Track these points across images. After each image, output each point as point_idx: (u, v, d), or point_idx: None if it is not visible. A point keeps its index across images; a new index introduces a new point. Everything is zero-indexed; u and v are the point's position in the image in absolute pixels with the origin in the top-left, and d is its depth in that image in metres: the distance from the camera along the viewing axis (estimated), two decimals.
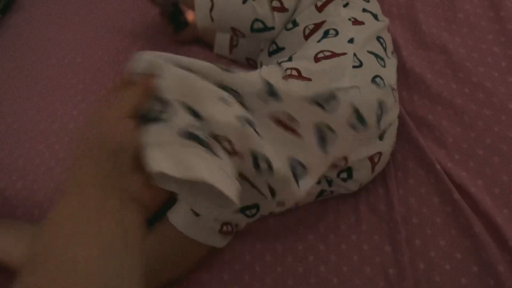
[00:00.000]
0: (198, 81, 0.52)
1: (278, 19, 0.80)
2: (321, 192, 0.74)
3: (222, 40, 0.99)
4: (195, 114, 0.49)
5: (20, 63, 1.08)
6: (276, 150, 0.58)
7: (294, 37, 0.77)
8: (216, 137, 0.49)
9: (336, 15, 0.74)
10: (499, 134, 0.73)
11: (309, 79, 0.62)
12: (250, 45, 0.95)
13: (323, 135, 0.62)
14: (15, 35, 1.15)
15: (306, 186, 0.62)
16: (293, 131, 0.60)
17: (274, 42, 0.82)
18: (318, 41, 0.70)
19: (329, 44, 0.68)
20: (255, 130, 0.55)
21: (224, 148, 0.50)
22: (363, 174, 0.72)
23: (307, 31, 0.75)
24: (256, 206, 0.70)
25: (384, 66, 0.70)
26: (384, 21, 0.78)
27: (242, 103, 0.57)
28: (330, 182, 0.72)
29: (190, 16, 0.99)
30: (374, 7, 0.80)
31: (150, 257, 0.67)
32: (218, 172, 0.46)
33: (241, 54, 0.99)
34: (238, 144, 0.52)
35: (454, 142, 0.76)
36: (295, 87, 0.60)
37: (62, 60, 1.05)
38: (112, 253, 0.37)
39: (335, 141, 0.63)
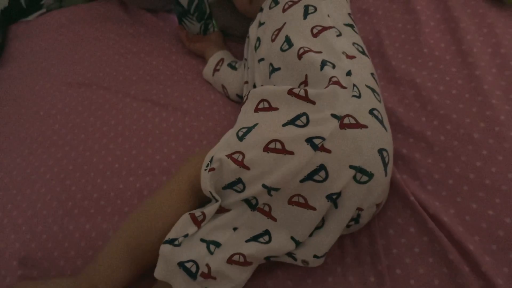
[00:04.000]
0: None
1: None
2: None
3: (211, 61, 1.09)
4: None
5: (9, 116, 1.11)
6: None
7: (289, 59, 0.81)
8: None
9: (331, 48, 0.78)
10: (466, 163, 0.79)
11: None
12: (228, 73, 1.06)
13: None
14: (4, 88, 1.18)
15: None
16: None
17: (270, 63, 0.85)
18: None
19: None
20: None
21: None
22: (366, 219, 0.76)
23: (301, 51, 0.79)
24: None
25: (380, 101, 0.76)
26: (369, 57, 0.84)
27: None
28: None
29: None
30: (361, 42, 0.86)
31: None
32: None
33: (220, 80, 1.08)
34: None
35: (427, 173, 0.81)
36: None
37: (49, 111, 1.08)
38: None
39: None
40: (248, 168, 0.69)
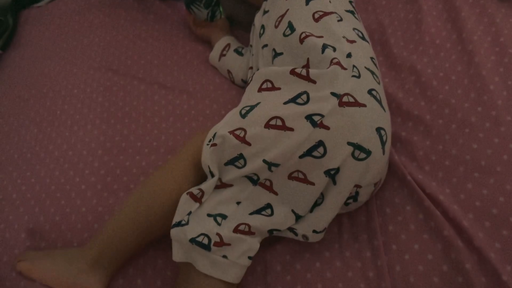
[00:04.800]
0: None
1: None
2: None
3: (218, 46, 1.12)
4: None
5: (20, 97, 1.14)
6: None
7: (292, 43, 0.83)
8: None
9: (332, 32, 0.80)
10: (463, 145, 0.81)
11: None
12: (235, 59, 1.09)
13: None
14: (15, 70, 1.21)
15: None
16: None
17: (273, 49, 0.88)
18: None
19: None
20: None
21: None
22: (364, 198, 0.79)
23: (303, 36, 0.81)
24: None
25: (379, 84, 0.78)
26: (369, 42, 0.86)
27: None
28: None
29: None
30: (361, 27, 0.89)
31: None
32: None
33: (226, 65, 1.11)
34: None
35: (424, 155, 0.83)
36: None
37: (59, 92, 1.11)
38: None
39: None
40: (249, 144, 0.71)
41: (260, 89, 0.79)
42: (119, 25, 1.27)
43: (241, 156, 0.72)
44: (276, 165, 0.71)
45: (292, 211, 0.74)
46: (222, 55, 1.11)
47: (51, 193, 0.92)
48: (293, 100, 0.72)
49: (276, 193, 0.74)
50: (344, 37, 0.80)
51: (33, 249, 0.85)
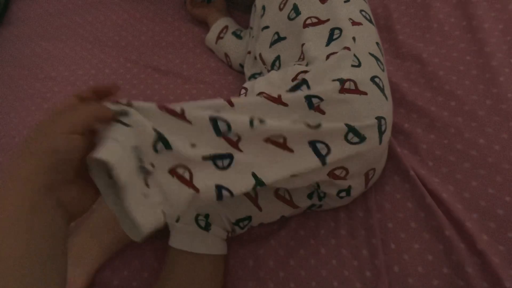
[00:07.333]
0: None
1: None
2: (311, 206, 0.77)
3: (215, 28, 1.07)
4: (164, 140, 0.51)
5: (11, 77, 1.10)
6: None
7: (295, 28, 0.79)
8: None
9: (337, 14, 0.75)
10: (469, 140, 0.77)
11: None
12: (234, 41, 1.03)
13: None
14: (6, 49, 1.17)
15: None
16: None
17: (276, 32, 0.82)
18: (327, 45, 0.72)
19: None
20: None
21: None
22: (358, 191, 0.75)
23: (308, 22, 0.77)
24: (249, 218, 0.74)
25: (383, 71, 0.73)
26: (375, 26, 0.81)
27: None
28: (321, 198, 0.75)
29: None
30: (369, 10, 0.83)
31: None
32: (140, 198, 0.48)
33: (223, 48, 1.05)
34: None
35: (428, 149, 0.79)
36: None
37: (49, 74, 1.07)
38: (38, 253, 0.39)
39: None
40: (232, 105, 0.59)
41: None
42: (113, 4, 1.22)
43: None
44: (263, 121, 0.59)
45: (253, 174, 0.58)
46: (219, 37, 1.05)
47: None
48: (294, 88, 0.67)
49: (240, 151, 0.59)
50: (350, 19, 0.75)
51: None
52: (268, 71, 0.82)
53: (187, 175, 0.54)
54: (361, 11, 0.79)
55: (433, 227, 0.71)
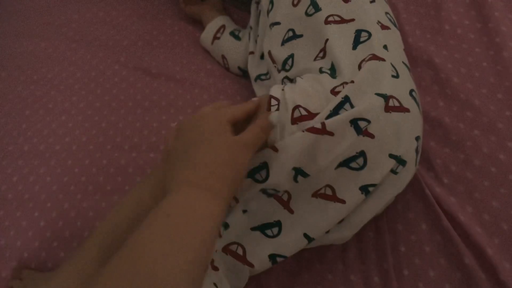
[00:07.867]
0: None
1: None
2: None
3: (211, 27, 0.99)
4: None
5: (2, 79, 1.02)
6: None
7: (315, 25, 0.71)
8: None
9: (364, 15, 0.68)
10: (487, 155, 0.71)
11: None
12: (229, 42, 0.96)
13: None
14: None
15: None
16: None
17: (291, 29, 0.75)
18: (354, 48, 0.65)
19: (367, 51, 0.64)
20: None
21: None
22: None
23: (330, 19, 0.69)
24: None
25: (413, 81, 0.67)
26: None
27: None
28: None
29: None
30: (391, 12, 0.76)
31: None
32: None
33: (220, 50, 0.97)
34: None
35: (443, 164, 0.73)
36: None
37: (31, 77, 1.00)
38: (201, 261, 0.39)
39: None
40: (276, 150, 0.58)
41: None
42: (101, 1, 1.14)
43: (264, 165, 0.59)
44: (306, 175, 0.59)
45: (305, 234, 0.61)
46: (215, 37, 0.98)
47: (35, 194, 0.82)
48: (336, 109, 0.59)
49: (292, 211, 0.61)
50: (378, 22, 0.68)
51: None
52: (278, 70, 0.75)
53: (240, 251, 0.60)
54: (386, 13, 0.72)
55: (450, 253, 0.65)
